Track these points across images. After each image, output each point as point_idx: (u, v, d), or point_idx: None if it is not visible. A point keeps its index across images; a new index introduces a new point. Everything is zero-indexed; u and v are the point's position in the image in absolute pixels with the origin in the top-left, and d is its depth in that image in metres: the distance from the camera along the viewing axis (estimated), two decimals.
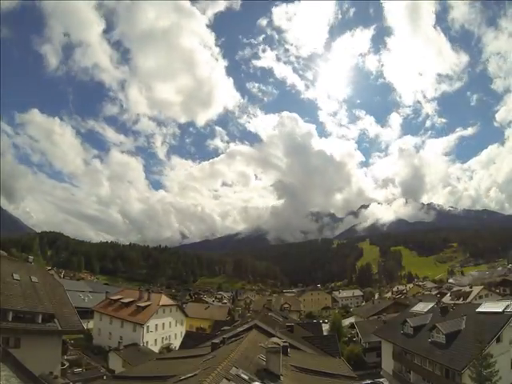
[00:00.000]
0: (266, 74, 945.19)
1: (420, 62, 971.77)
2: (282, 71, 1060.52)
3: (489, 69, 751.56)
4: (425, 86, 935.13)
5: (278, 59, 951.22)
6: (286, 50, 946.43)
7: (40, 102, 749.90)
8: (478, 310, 28.26)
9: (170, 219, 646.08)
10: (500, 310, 25.90)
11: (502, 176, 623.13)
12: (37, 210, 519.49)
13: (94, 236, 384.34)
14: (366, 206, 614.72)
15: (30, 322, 20.31)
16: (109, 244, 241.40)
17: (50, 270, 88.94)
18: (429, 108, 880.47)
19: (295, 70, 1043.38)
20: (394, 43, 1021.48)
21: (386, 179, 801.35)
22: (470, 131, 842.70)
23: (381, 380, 34.42)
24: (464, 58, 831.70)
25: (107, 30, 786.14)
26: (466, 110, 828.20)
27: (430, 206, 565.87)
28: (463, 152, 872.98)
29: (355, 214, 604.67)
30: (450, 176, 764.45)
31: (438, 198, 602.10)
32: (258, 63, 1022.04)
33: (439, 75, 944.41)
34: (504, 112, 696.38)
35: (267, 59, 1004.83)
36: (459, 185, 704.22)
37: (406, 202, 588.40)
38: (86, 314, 44.08)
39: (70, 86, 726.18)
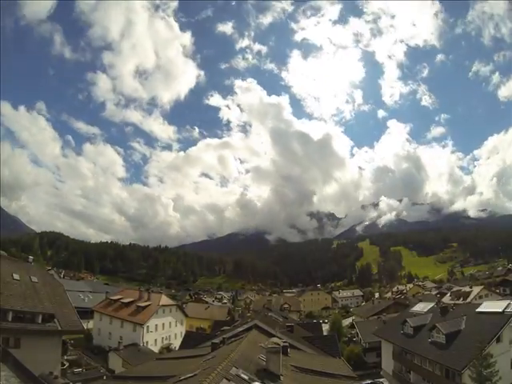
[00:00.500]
0: (230, 47, 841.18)
1: (406, 27, 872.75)
2: (245, 43, 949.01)
3: (485, 36, 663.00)
4: (414, 59, 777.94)
5: (240, 30, 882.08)
6: (248, 23, 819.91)
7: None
8: (478, 310, 28.27)
9: (159, 216, 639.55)
10: (500, 310, 25.89)
11: (504, 173, 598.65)
12: (30, 206, 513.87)
13: (94, 235, 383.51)
14: (366, 206, 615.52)
15: (30, 322, 20.30)
16: (109, 244, 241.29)
17: (49, 269, 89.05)
18: (421, 88, 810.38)
19: (260, 42, 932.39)
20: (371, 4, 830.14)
21: (383, 172, 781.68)
22: (468, 115, 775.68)
23: (381, 380, 34.47)
24: (456, 26, 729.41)
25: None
26: (464, 89, 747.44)
27: (429, 205, 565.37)
28: (463, 143, 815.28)
29: (355, 213, 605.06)
30: (450, 173, 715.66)
31: (438, 197, 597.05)
32: (220, 30, 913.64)
33: (429, 45, 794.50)
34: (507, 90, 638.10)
35: (227, 26, 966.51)
36: (459, 184, 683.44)
37: (406, 201, 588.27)
38: (86, 314, 44.09)
39: (26, 72, 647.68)
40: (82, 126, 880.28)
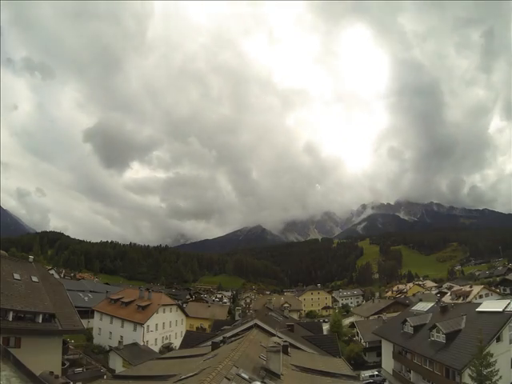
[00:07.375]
0: None
1: None
2: None
3: None
4: None
5: None
6: None
7: None
8: (478, 309, 28.26)
9: None
10: (500, 310, 25.90)
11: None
12: None
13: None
14: (366, 205, 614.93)
15: (31, 322, 20.33)
16: (109, 244, 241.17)
17: (50, 269, 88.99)
18: None
19: None
20: None
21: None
22: None
23: (380, 372, 34.77)
24: None
25: None
26: None
27: (429, 205, 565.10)
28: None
29: (355, 213, 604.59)
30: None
31: (438, 196, 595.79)
32: None
33: None
34: None
35: None
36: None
37: (406, 201, 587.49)
38: (87, 313, 44.14)
39: None
40: None
